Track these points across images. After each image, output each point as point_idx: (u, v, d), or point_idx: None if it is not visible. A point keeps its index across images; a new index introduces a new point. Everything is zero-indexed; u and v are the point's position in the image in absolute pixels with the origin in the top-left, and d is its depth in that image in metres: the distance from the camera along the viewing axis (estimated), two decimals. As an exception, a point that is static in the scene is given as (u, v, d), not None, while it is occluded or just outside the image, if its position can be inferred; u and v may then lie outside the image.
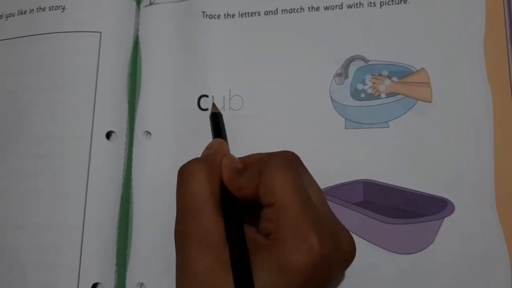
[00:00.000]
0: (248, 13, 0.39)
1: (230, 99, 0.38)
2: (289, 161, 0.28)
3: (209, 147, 0.32)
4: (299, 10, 0.39)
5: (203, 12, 0.39)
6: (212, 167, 0.29)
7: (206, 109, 0.38)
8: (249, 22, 0.39)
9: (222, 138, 0.34)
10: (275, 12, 0.39)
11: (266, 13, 0.39)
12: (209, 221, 0.27)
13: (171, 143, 0.37)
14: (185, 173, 0.28)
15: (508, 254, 0.33)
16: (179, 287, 0.27)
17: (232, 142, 0.36)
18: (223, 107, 0.38)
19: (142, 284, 0.35)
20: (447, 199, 0.35)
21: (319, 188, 0.29)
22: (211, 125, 0.36)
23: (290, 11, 0.39)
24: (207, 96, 0.38)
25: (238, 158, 0.31)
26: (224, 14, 0.39)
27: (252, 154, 0.31)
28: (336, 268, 0.27)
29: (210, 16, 0.39)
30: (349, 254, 0.28)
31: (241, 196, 0.28)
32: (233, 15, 0.39)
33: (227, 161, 0.30)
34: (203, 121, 0.37)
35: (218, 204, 0.28)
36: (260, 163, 0.28)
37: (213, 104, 0.37)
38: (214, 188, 0.28)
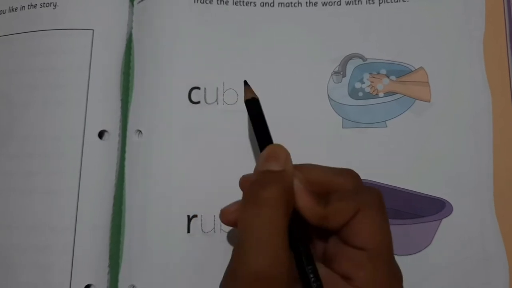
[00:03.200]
0: (243, 2, 0.39)
1: (224, 92, 0.37)
2: (383, 204, 0.26)
3: (274, 158, 0.27)
4: (296, 4, 0.38)
5: None
6: (289, 193, 0.25)
7: (198, 102, 0.37)
8: (243, 12, 0.38)
9: (271, 139, 0.30)
10: (272, 4, 0.39)
11: (262, 4, 0.39)
12: (283, 258, 0.24)
13: (162, 141, 0.37)
14: (260, 199, 0.25)
15: (506, 255, 0.34)
16: None
17: (225, 139, 0.35)
18: (216, 100, 0.37)
19: (134, 286, 0.35)
20: (445, 200, 0.35)
21: None
22: (250, 118, 0.30)
23: (287, 4, 0.38)
24: (198, 88, 0.37)
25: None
26: (217, 0, 0.39)
27: (311, 168, 0.28)
28: None
29: (202, 1, 0.39)
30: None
31: (321, 226, 0.26)
32: (226, 2, 0.39)
33: (302, 184, 0.26)
34: (194, 115, 0.37)
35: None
36: (353, 197, 0.26)
37: (246, 83, 0.32)
38: (287, 218, 0.25)
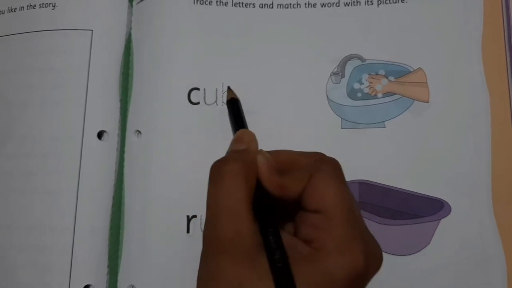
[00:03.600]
0: (242, 3, 0.39)
1: (223, 93, 0.37)
2: (339, 169, 0.27)
3: (239, 140, 0.30)
4: (295, 5, 0.38)
5: None
6: (249, 167, 0.27)
7: (197, 103, 0.37)
8: (242, 13, 0.38)
9: (245, 127, 0.32)
10: (271, 6, 0.39)
11: (261, 5, 0.39)
12: (245, 225, 0.25)
13: (161, 141, 0.37)
14: (220, 174, 0.27)
15: (504, 255, 0.33)
16: None
17: (224, 139, 0.35)
18: (216, 101, 0.37)
19: (133, 286, 0.35)
20: (443, 200, 0.34)
21: (354, 196, 0.29)
22: (229, 113, 0.34)
23: (286, 6, 0.38)
24: (198, 89, 0.37)
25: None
26: (216, 2, 0.39)
27: (280, 151, 0.30)
28: (371, 277, 0.27)
29: (201, 2, 0.39)
30: (380, 262, 0.27)
31: (281, 196, 0.27)
32: (226, 3, 0.39)
33: (264, 159, 0.28)
34: (194, 116, 0.37)
35: (251, 207, 0.26)
36: (308, 166, 0.27)
37: (229, 88, 0.35)
38: (250, 191, 0.26)
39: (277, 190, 0.27)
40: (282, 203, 0.27)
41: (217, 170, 0.27)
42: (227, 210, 0.26)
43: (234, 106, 0.34)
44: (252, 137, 0.30)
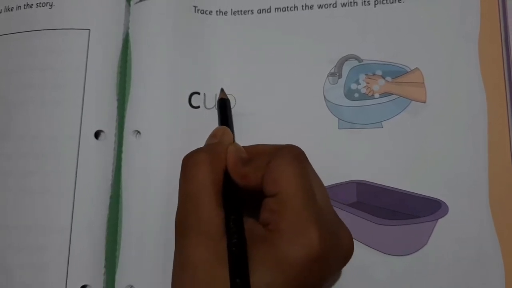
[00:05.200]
0: (241, 11, 0.39)
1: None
2: (297, 155, 0.28)
3: (213, 135, 0.32)
4: (292, 8, 0.39)
5: (195, 7, 0.39)
6: (217, 157, 0.29)
7: (198, 107, 0.37)
8: (242, 20, 0.39)
9: (228, 125, 0.34)
10: (268, 10, 0.39)
11: (259, 11, 0.39)
12: (209, 212, 0.26)
13: (161, 142, 0.37)
14: (188, 163, 0.28)
15: (502, 256, 0.33)
16: (175, 278, 0.26)
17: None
18: (215, 105, 0.37)
19: (131, 286, 0.35)
20: (441, 200, 0.34)
21: (323, 185, 0.29)
22: (218, 111, 0.36)
23: (284, 9, 0.39)
24: (198, 93, 0.37)
25: (243, 147, 0.31)
26: (216, 11, 0.39)
27: (258, 145, 0.31)
28: (334, 265, 0.27)
29: (202, 11, 0.39)
30: (347, 252, 0.28)
31: (245, 185, 0.28)
32: (225, 13, 0.39)
33: (232, 149, 0.29)
34: (194, 119, 0.37)
35: (220, 195, 0.27)
36: (268, 154, 0.28)
37: (222, 90, 0.37)
38: (217, 179, 0.28)
39: (241, 180, 0.28)
40: (252, 192, 0.28)
41: (185, 160, 0.29)
42: (193, 197, 0.27)
43: (222, 106, 0.35)
44: (225, 132, 0.32)
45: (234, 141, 0.33)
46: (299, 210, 0.25)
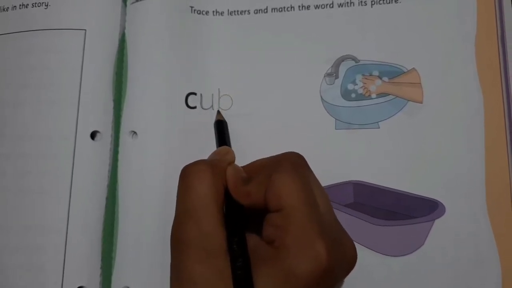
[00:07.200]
0: (237, 11, 0.39)
1: (219, 98, 0.38)
2: (297, 164, 0.27)
3: (216, 153, 0.32)
4: (289, 8, 0.39)
5: (191, 7, 0.39)
6: (218, 170, 0.28)
7: (194, 107, 0.37)
8: (238, 20, 0.39)
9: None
10: (265, 10, 0.39)
11: (256, 11, 0.39)
12: (211, 227, 0.25)
13: (157, 143, 0.37)
14: (188, 172, 0.27)
15: (498, 256, 0.33)
16: None
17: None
18: (212, 106, 0.37)
19: (127, 287, 0.34)
20: (438, 200, 0.34)
21: (325, 192, 0.28)
22: (215, 133, 0.35)
23: (280, 9, 0.39)
24: (195, 94, 0.37)
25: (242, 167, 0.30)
26: (213, 11, 0.39)
27: (254, 161, 0.30)
28: (340, 275, 0.26)
29: (198, 12, 0.39)
30: (351, 261, 0.27)
31: (249, 203, 0.27)
32: (222, 13, 0.39)
33: (232, 170, 0.28)
34: (190, 120, 0.37)
35: (221, 211, 0.26)
36: (268, 168, 0.27)
37: (218, 112, 0.37)
38: (218, 193, 0.27)
39: (244, 199, 0.27)
40: (256, 211, 0.27)
41: (185, 170, 0.28)
42: (194, 210, 0.26)
43: (220, 127, 0.35)
44: (228, 152, 0.31)
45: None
46: (304, 223, 0.25)
